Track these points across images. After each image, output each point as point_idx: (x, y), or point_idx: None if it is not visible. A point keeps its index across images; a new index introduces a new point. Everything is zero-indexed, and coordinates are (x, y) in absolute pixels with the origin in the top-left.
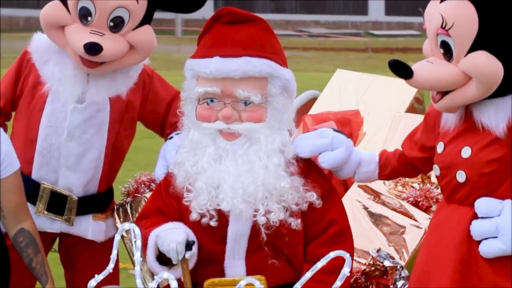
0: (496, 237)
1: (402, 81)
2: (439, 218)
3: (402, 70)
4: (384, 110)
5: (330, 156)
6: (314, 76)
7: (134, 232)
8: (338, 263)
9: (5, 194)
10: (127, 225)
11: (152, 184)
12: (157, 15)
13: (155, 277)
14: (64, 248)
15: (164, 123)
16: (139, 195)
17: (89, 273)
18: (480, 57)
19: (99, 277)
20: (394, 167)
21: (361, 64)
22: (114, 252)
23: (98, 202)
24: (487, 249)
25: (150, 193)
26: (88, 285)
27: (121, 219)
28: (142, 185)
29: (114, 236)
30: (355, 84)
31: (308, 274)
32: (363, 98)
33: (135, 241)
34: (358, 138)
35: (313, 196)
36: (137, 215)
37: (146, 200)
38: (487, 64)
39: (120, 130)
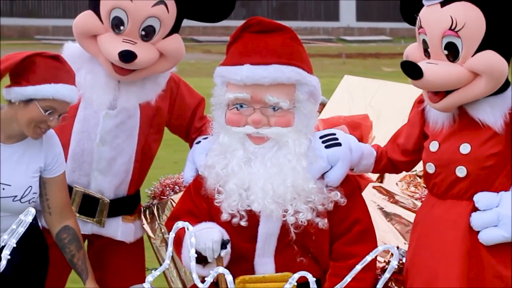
0: (496, 225)
1: (408, 86)
2: (435, 215)
3: (413, 71)
4: (392, 115)
5: (332, 176)
6: None
7: (187, 229)
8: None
9: (54, 192)
10: (180, 224)
11: (176, 186)
12: None
13: (211, 272)
14: (94, 249)
15: (190, 128)
16: (165, 197)
17: (118, 272)
18: (491, 56)
19: (156, 273)
20: (385, 163)
21: (336, 70)
22: (170, 249)
23: (127, 204)
24: (488, 236)
25: (175, 195)
26: (146, 279)
27: (148, 221)
28: (167, 188)
29: (141, 238)
30: (363, 90)
31: (358, 267)
32: (372, 103)
33: (190, 239)
34: (368, 141)
35: (337, 195)
36: (164, 217)
37: (172, 202)
38: (499, 62)
39: (149, 135)
